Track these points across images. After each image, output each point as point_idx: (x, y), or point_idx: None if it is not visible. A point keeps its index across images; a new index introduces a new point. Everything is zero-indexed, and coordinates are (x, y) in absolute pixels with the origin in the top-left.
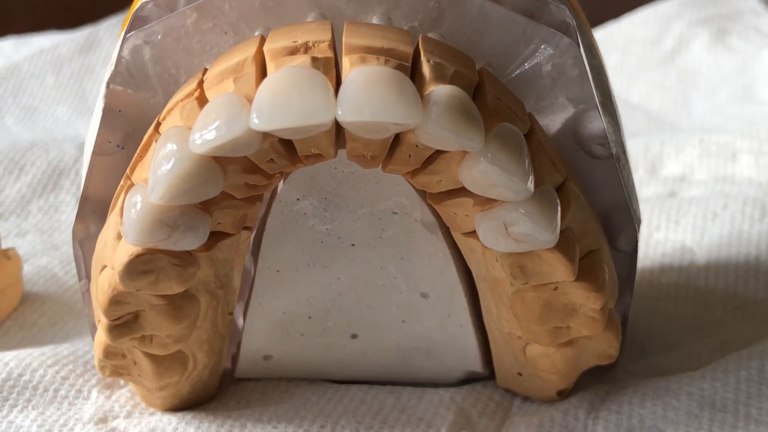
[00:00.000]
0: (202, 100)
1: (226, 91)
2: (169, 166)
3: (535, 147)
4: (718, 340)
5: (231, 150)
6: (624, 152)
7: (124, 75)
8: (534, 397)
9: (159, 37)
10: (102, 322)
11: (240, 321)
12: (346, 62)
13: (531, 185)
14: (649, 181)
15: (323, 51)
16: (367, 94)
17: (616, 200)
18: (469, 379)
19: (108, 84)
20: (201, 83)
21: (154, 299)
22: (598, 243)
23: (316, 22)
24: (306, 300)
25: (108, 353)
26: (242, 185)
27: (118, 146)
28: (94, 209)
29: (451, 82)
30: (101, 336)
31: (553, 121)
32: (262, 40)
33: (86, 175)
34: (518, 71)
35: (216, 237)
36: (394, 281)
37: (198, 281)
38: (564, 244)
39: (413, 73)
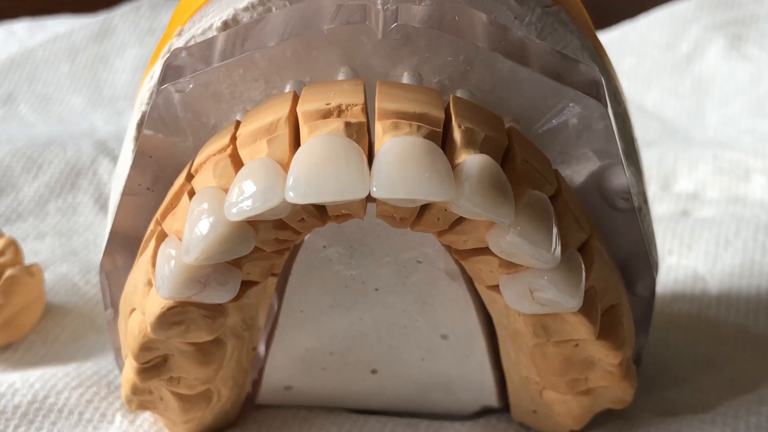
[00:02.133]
0: (236, 159)
1: (260, 155)
2: (205, 231)
3: (561, 208)
4: (728, 376)
5: (265, 216)
6: (645, 201)
7: (156, 120)
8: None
9: (190, 86)
10: (131, 363)
11: (262, 349)
12: (378, 128)
13: (558, 254)
14: (662, 197)
15: (356, 115)
16: (400, 171)
17: (636, 249)
18: (484, 411)
19: (140, 129)
20: (234, 139)
21: (183, 345)
22: (618, 297)
23: (348, 82)
24: (328, 338)
25: (135, 390)
26: (272, 240)
27: (148, 189)
28: (122, 244)
29: (481, 148)
30: (129, 374)
31: (577, 173)
32: (295, 98)
33: (115, 213)
34: (546, 127)
35: (244, 286)
36: (415, 323)
37: (226, 327)
38: (587, 306)
39: (444, 138)
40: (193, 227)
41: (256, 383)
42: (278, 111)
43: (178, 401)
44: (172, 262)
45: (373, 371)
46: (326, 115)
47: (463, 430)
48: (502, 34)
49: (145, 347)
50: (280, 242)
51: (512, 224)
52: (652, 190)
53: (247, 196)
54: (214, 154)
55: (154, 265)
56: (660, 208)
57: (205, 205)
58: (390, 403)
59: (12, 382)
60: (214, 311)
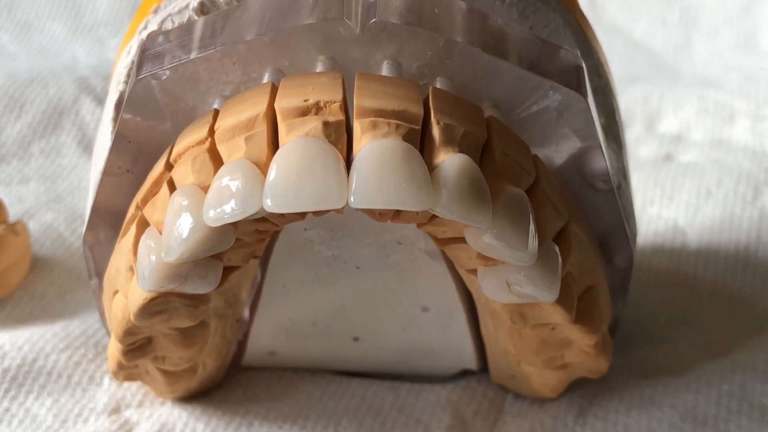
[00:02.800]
0: (214, 154)
1: (238, 153)
2: (185, 234)
3: (539, 198)
4: (704, 336)
5: (244, 219)
6: (625, 176)
7: (134, 105)
8: (526, 395)
9: (168, 73)
10: (116, 344)
11: (247, 314)
12: (357, 127)
13: (534, 253)
14: (646, 138)
15: (334, 113)
16: (378, 181)
17: (614, 225)
18: (464, 373)
19: (118, 109)
20: (212, 131)
21: (166, 329)
22: (595, 278)
23: (327, 75)
24: (311, 310)
25: (121, 366)
26: (252, 231)
27: (128, 171)
28: (103, 218)
29: (460, 145)
30: (114, 353)
31: (557, 153)
32: (273, 90)
33: (96, 192)
34: (526, 113)
35: (226, 271)
36: (396, 297)
37: (208, 310)
38: (563, 295)
39: (423, 134)
40: (173, 228)
41: (242, 345)
42: (256, 105)
43: (164, 376)
44: (153, 257)
45: (356, 339)
46: (304, 112)
47: (443, 393)
48: (481, 24)
49: (129, 332)
50: (260, 233)
51: (489, 228)
52: (636, 130)
53: (224, 202)
54: (193, 146)
55: (135, 253)
56: (644, 151)
57: (185, 203)
58: (372, 366)
59: (1, 345)
60: (196, 300)
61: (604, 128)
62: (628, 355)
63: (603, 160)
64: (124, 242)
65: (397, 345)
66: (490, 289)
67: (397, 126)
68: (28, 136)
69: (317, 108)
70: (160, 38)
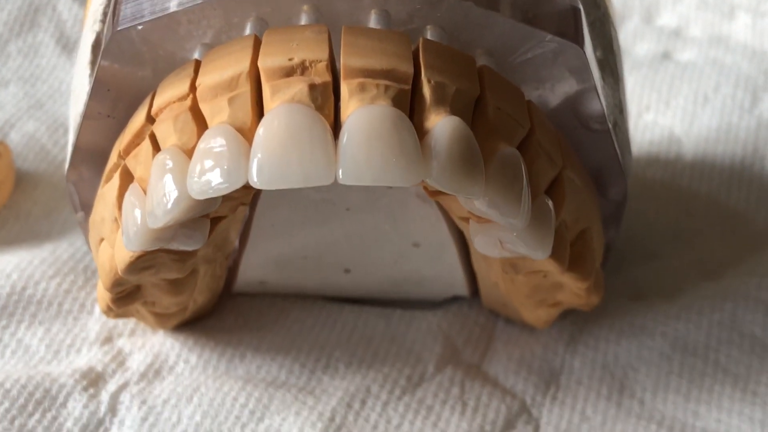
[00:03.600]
0: (196, 113)
1: (221, 115)
2: (169, 204)
3: (533, 150)
4: (696, 254)
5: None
6: (621, 111)
7: (113, 53)
8: (516, 321)
9: (146, 19)
10: (105, 291)
11: (237, 244)
12: (344, 89)
13: (526, 218)
14: (644, 32)
15: (320, 73)
16: (366, 155)
17: (609, 161)
18: (455, 299)
19: (95, 52)
20: (193, 88)
21: (155, 279)
22: (589, 219)
23: (311, 29)
24: (301, 246)
25: (111, 308)
26: (240, 190)
27: (108, 116)
28: (85, 157)
29: (452, 104)
30: (104, 296)
31: (553, 93)
32: (256, 44)
33: (77, 134)
34: (521, 59)
35: (213, 221)
36: (386, 235)
37: (197, 259)
38: (556, 247)
39: (413, 92)
40: (157, 196)
41: (232, 273)
42: (239, 62)
43: (155, 317)
44: (138, 218)
45: (347, 270)
46: (289, 72)
47: (434, 320)
48: None
49: (117, 283)
50: (246, 188)
51: (482, 195)
52: (633, 23)
53: (209, 176)
54: (174, 102)
55: (120, 207)
56: (641, 47)
57: (169, 169)
58: (364, 293)
59: None
60: (184, 254)
61: (601, 62)
62: (620, 274)
63: (599, 103)
64: (108, 191)
65: (388, 275)
66: (481, 245)
67: (386, 87)
68: (4, 35)
69: (302, 68)
70: None
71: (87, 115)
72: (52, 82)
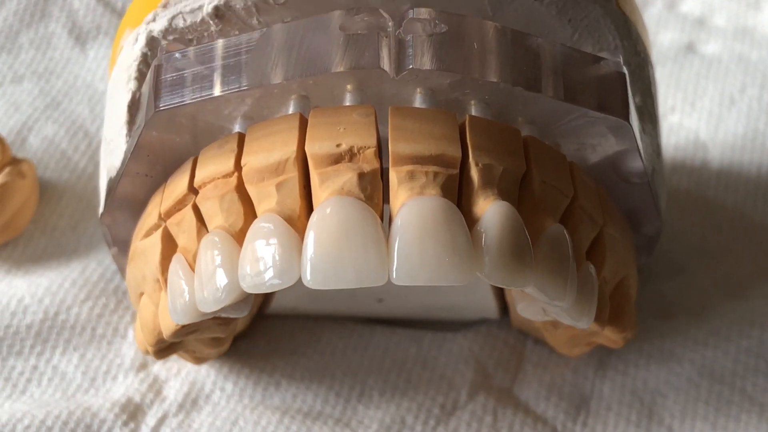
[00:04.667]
0: (243, 195)
1: (269, 200)
2: (221, 296)
3: (576, 216)
4: (723, 269)
5: None
6: (659, 154)
7: (155, 125)
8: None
9: (187, 101)
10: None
11: None
12: (393, 177)
13: (573, 297)
14: (667, 19)
15: (369, 160)
16: (420, 255)
17: (645, 205)
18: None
19: (131, 112)
20: (238, 165)
21: (198, 337)
22: (627, 268)
23: (358, 112)
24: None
25: (150, 353)
26: None
27: (146, 175)
28: (119, 205)
29: (499, 185)
30: (144, 343)
31: (593, 151)
32: (302, 126)
33: (116, 189)
34: (564, 128)
35: None
36: None
37: None
38: (597, 311)
39: (461, 174)
40: (209, 285)
41: (267, 297)
42: (285, 145)
43: (193, 358)
44: (186, 296)
45: (379, 300)
46: (337, 159)
47: (465, 343)
48: (516, 53)
49: (160, 341)
50: None
51: (530, 285)
52: (656, 8)
53: (262, 273)
54: (219, 178)
55: (162, 271)
56: (664, 37)
57: (219, 258)
58: (395, 317)
59: (21, 297)
60: (228, 319)
61: (639, 108)
62: (646, 287)
63: (640, 162)
64: (150, 251)
65: (420, 304)
66: (524, 311)
67: (435, 175)
68: (15, 26)
69: (351, 154)
70: (177, 56)
71: (125, 173)
72: (66, 77)
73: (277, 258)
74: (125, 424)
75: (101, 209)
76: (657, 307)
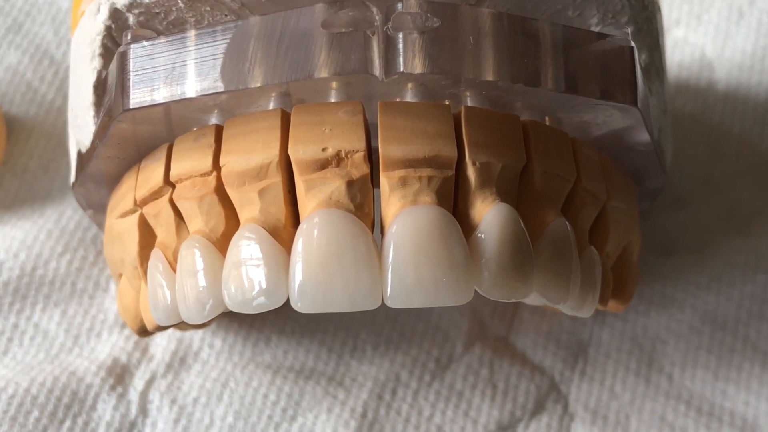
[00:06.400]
0: (223, 197)
1: (252, 207)
2: (205, 312)
3: (579, 198)
4: (726, 202)
5: None
6: (665, 112)
7: (126, 119)
8: None
9: (158, 102)
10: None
11: None
12: (384, 184)
13: (575, 296)
14: None
15: (358, 165)
16: (415, 276)
17: (650, 164)
18: None
19: (97, 92)
20: (216, 164)
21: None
22: (630, 234)
23: (345, 110)
24: None
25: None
26: None
27: (118, 158)
28: (93, 178)
29: (498, 183)
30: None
31: (598, 127)
32: (284, 122)
33: (89, 166)
34: (566, 112)
35: None
36: None
37: None
38: (600, 292)
39: (457, 172)
40: (192, 300)
41: None
42: (267, 146)
43: (178, 328)
44: (168, 300)
45: None
46: (324, 164)
47: None
48: (515, 43)
49: (142, 330)
50: None
51: (531, 293)
52: None
53: (248, 295)
54: (197, 177)
55: (141, 262)
56: None
57: (202, 270)
58: None
59: None
60: None
61: (647, 66)
62: (649, 222)
63: (646, 134)
64: (127, 236)
65: None
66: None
67: (429, 179)
68: None
69: (338, 159)
70: (146, 45)
71: (96, 156)
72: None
73: (263, 280)
74: (113, 388)
75: (72, 179)
76: (659, 243)
